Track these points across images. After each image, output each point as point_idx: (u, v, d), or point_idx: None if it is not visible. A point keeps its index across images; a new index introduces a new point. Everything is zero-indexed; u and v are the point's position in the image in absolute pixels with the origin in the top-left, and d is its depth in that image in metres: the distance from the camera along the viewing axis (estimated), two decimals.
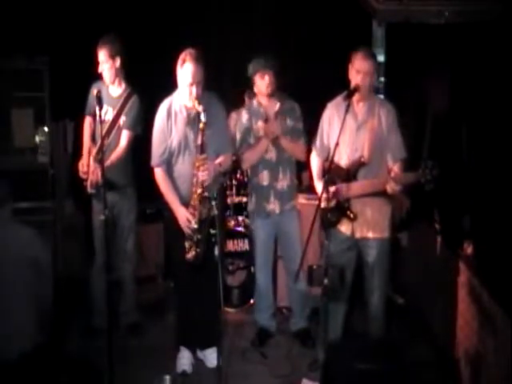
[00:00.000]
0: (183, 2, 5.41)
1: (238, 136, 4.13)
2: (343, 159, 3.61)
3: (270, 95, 4.05)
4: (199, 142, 3.52)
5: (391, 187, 3.39)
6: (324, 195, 3.44)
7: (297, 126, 4.09)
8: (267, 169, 4.09)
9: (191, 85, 3.53)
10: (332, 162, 3.44)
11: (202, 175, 3.54)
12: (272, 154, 4.06)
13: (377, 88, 4.94)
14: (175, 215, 3.65)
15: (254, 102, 4.13)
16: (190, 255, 3.62)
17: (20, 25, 4.91)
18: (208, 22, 5.48)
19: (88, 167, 4.10)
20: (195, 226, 3.59)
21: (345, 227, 3.63)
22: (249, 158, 4.10)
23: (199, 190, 3.58)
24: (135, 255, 4.37)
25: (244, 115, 4.13)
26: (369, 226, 3.59)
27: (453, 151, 4.25)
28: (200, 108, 3.48)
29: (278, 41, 5.49)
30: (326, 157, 3.75)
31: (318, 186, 3.72)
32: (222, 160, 3.72)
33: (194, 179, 3.59)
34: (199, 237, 3.60)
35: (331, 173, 3.46)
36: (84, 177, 4.13)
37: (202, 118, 3.47)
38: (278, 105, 4.06)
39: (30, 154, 5.03)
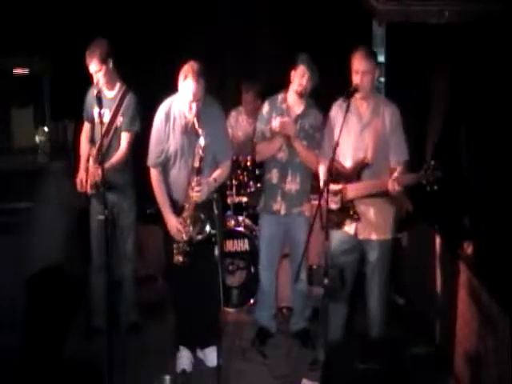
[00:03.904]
0: (184, 4, 5.41)
1: (257, 126, 4.08)
2: (347, 160, 3.61)
3: (300, 95, 3.96)
4: (196, 165, 3.52)
5: (393, 188, 3.38)
6: (334, 198, 3.51)
7: (314, 134, 3.99)
8: (277, 168, 4.05)
9: (192, 102, 3.51)
10: (333, 161, 3.44)
11: (196, 195, 3.55)
12: (283, 154, 4.02)
13: (376, 88, 4.95)
14: (165, 221, 3.67)
15: (280, 96, 4.05)
16: (176, 260, 3.63)
17: (20, 25, 4.91)
18: (208, 23, 5.48)
19: (86, 183, 4.06)
20: (185, 238, 3.61)
21: (348, 227, 3.63)
22: (261, 151, 4.07)
23: (192, 209, 3.60)
24: (135, 255, 4.37)
25: (265, 106, 4.06)
26: (372, 227, 3.60)
27: (453, 151, 4.24)
28: (200, 131, 3.47)
29: (277, 41, 5.50)
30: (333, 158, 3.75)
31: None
32: (218, 174, 3.71)
33: (188, 197, 3.59)
34: (188, 249, 3.61)
35: (336, 173, 3.48)
36: (82, 191, 4.12)
37: (201, 142, 3.47)
38: (302, 107, 4.00)
39: (30, 154, 5.03)
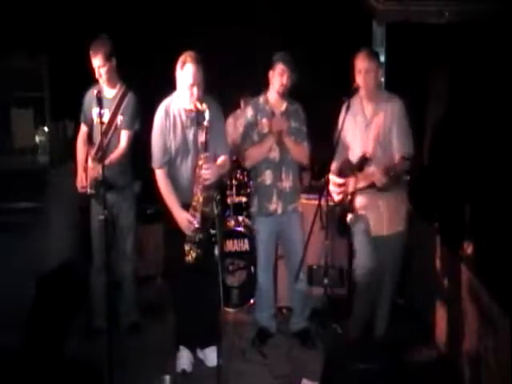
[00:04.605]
0: (184, 3, 5.42)
1: (242, 131, 4.09)
2: (356, 157, 3.68)
3: (282, 95, 3.99)
4: (203, 139, 3.49)
5: (378, 179, 3.46)
6: (336, 189, 3.68)
7: (301, 128, 4.06)
8: (270, 168, 4.05)
9: (192, 86, 3.52)
10: (332, 159, 3.48)
11: (205, 173, 3.52)
12: (275, 154, 4.03)
13: None
14: (175, 218, 3.65)
15: (261, 98, 4.08)
16: (190, 258, 3.61)
17: (20, 24, 4.91)
18: (208, 23, 5.48)
19: (86, 182, 4.09)
20: (197, 226, 3.59)
21: (366, 225, 3.70)
22: (252, 156, 4.06)
23: (201, 190, 3.58)
24: (135, 255, 4.38)
25: (249, 111, 4.07)
26: (384, 222, 3.66)
27: (453, 151, 4.25)
28: (204, 106, 3.46)
29: (277, 41, 5.49)
30: (345, 157, 3.81)
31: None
32: (223, 161, 3.73)
33: (196, 179, 3.58)
34: (201, 236, 3.60)
35: (344, 169, 3.67)
36: (83, 191, 4.13)
37: (207, 115, 3.45)
38: (285, 104, 4.03)
39: (30, 154, 5.03)
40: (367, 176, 3.59)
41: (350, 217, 3.72)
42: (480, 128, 3.96)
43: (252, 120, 4.04)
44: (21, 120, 5.02)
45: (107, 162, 3.93)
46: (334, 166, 3.81)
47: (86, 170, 4.12)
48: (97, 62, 3.97)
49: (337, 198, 3.76)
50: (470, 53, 4.15)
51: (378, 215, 3.65)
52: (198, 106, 3.50)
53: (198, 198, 3.60)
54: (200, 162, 3.54)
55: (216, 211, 3.41)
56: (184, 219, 3.61)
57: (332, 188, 3.73)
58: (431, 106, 4.80)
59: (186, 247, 3.61)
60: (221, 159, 3.73)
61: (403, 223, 3.71)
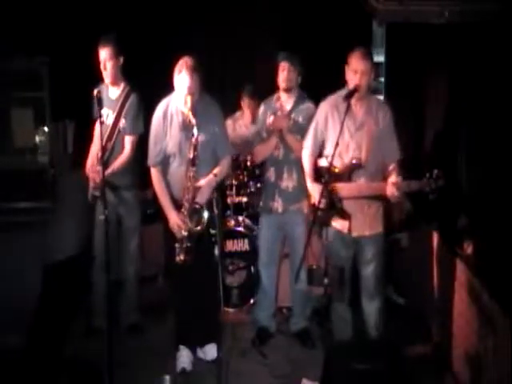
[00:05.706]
0: (184, 2, 5.42)
1: (255, 129, 4.21)
2: (339, 159, 3.59)
3: (286, 90, 4.03)
4: (191, 156, 3.54)
5: (392, 193, 3.39)
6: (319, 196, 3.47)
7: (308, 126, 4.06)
8: (273, 166, 4.10)
9: (186, 95, 3.55)
10: (332, 163, 3.44)
11: (201, 199, 3.58)
12: (279, 152, 4.05)
13: (376, 88, 4.96)
14: (167, 217, 3.68)
15: (274, 96, 4.14)
16: (179, 259, 3.63)
17: (20, 25, 4.91)
18: (209, 22, 5.49)
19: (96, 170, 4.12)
20: (185, 234, 3.61)
21: (341, 226, 3.63)
22: (259, 152, 4.15)
23: (188, 201, 3.60)
24: (138, 256, 4.37)
25: (261, 109, 4.16)
26: (364, 223, 3.61)
27: (452, 150, 4.25)
28: (194, 121, 3.51)
29: (277, 41, 5.50)
30: (317, 155, 3.75)
31: (310, 185, 3.71)
32: (219, 170, 3.73)
33: (185, 189, 3.60)
34: (188, 245, 3.61)
35: (326, 172, 3.49)
36: (94, 180, 4.14)
37: (195, 132, 3.50)
38: (292, 102, 4.07)
39: (30, 154, 5.03)
40: (371, 186, 3.54)
41: (346, 223, 3.63)
42: (479, 127, 3.96)
43: (262, 118, 4.12)
44: (21, 120, 5.01)
45: (112, 171, 3.96)
46: (307, 164, 3.76)
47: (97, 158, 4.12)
48: (104, 54, 3.98)
49: (321, 205, 3.50)
50: (470, 53, 4.15)
51: (362, 218, 3.61)
52: (191, 117, 3.53)
53: (186, 207, 3.62)
54: (190, 174, 3.57)
55: (216, 211, 3.42)
56: (174, 223, 3.65)
57: (315, 194, 3.58)
58: (431, 107, 4.80)
59: (177, 248, 3.63)
60: (218, 168, 3.73)
61: (381, 225, 3.68)
